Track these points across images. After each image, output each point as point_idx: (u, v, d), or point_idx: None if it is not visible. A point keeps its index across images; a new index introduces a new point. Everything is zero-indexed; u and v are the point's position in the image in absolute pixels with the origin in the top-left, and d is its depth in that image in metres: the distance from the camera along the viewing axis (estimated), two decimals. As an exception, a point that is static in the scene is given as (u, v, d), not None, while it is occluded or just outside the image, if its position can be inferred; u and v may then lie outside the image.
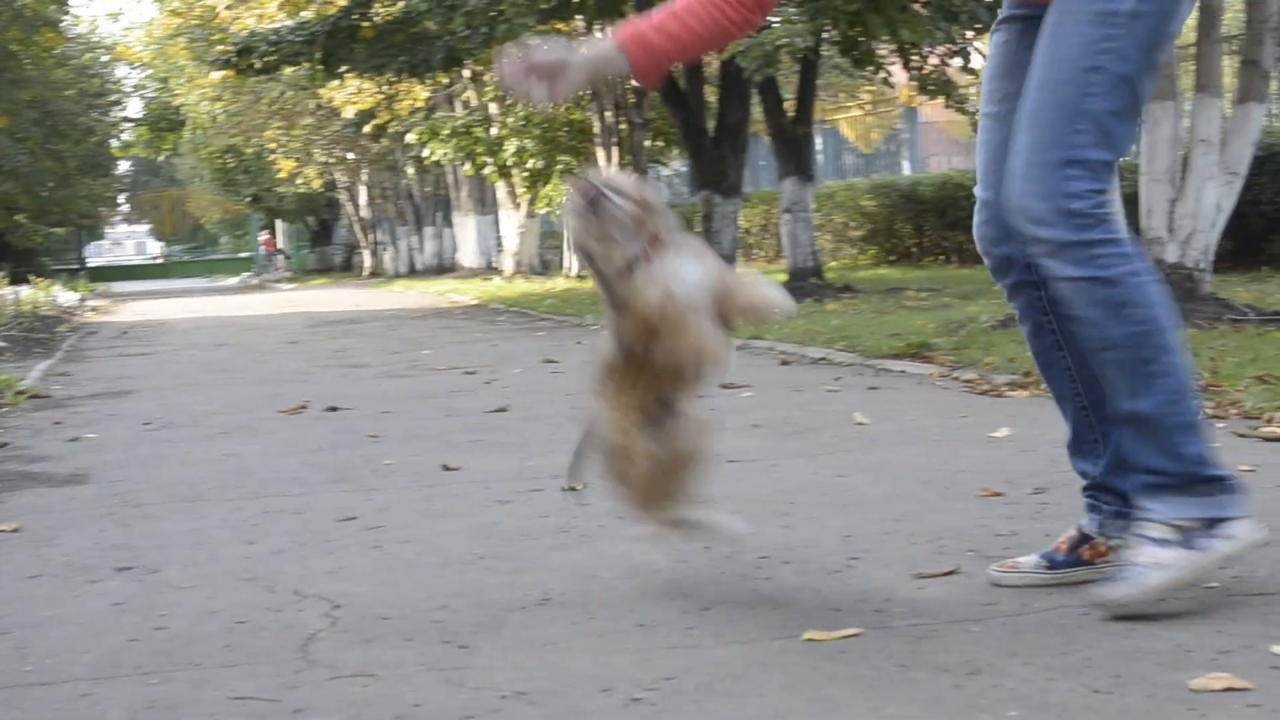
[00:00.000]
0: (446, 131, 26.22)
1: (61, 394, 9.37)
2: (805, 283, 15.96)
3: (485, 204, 32.60)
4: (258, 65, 18.32)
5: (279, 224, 57.69)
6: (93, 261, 75.29)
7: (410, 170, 37.52)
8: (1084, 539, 3.33)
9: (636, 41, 3.22)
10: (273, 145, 37.54)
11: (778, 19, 14.01)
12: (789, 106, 16.98)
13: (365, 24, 17.83)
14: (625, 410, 3.24)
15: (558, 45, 3.24)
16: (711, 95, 18.88)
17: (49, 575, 3.93)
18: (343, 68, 18.66)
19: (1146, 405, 3.05)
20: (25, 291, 24.02)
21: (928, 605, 3.19)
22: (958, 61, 16.63)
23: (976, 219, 3.41)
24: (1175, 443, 3.04)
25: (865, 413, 6.31)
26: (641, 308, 3.17)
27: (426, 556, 3.94)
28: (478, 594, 3.47)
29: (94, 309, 27.09)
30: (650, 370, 3.20)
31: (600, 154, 22.70)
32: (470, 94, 28.23)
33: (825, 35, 15.33)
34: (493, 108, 26.85)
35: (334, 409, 7.58)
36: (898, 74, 18.18)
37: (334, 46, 17.90)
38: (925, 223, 21.62)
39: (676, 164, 30.94)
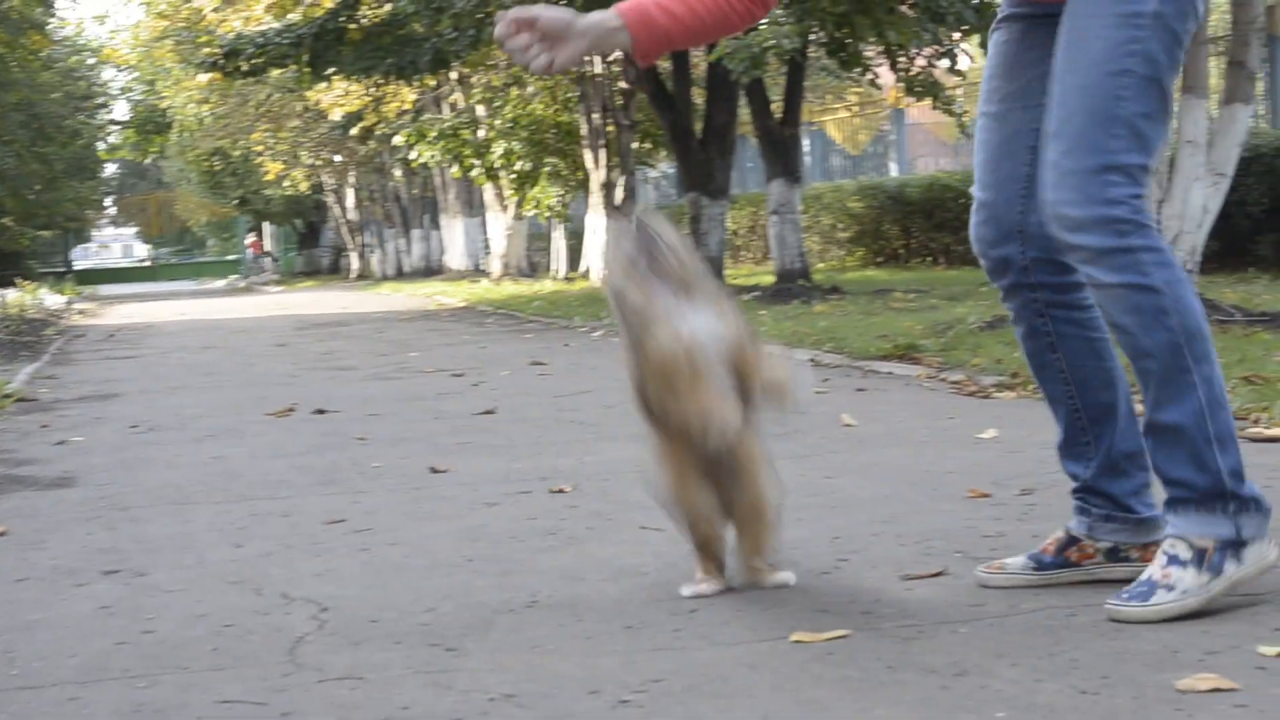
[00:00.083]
0: (434, 134, 26.21)
1: (48, 397, 9.35)
2: (793, 284, 15.97)
3: (473, 206, 32.58)
4: (244, 67, 18.29)
5: (266, 226, 57.63)
6: (80, 264, 75.12)
7: (397, 172, 37.48)
8: (1072, 541, 3.33)
9: (640, 18, 3.17)
10: (260, 148, 37.49)
11: (765, 20, 14.01)
12: (776, 108, 16.99)
13: (352, 26, 17.81)
14: (677, 461, 3.24)
15: (561, 10, 3.20)
16: (699, 97, 18.88)
17: (36, 579, 3.93)
18: (330, 70, 18.65)
19: (1179, 415, 3.02)
20: (11, 294, 23.98)
21: (915, 606, 3.19)
22: (945, 63, 16.64)
23: (974, 219, 3.39)
24: (1205, 455, 3.02)
25: (853, 414, 6.31)
26: (658, 359, 3.17)
27: (414, 559, 3.94)
28: (466, 596, 3.47)
29: (81, 312, 27.05)
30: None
31: (588, 156, 22.70)
32: (458, 96, 28.21)
33: (812, 37, 15.34)
34: (480, 110, 26.84)
35: (321, 411, 7.58)
36: (885, 75, 18.20)
37: (321, 49, 17.89)
38: (913, 224, 21.63)
39: (664, 166, 30.94)
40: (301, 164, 38.81)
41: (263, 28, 19.50)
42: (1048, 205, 3.06)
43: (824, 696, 2.60)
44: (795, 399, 3.28)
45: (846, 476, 4.87)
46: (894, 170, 25.93)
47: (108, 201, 74.41)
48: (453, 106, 28.54)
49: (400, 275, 38.48)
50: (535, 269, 29.48)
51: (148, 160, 62.14)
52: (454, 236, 33.63)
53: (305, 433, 6.80)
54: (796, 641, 2.93)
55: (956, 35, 15.96)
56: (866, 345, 9.07)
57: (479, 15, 16.57)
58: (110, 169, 70.97)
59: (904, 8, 14.82)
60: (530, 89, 25.31)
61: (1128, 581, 3.09)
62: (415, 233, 39.23)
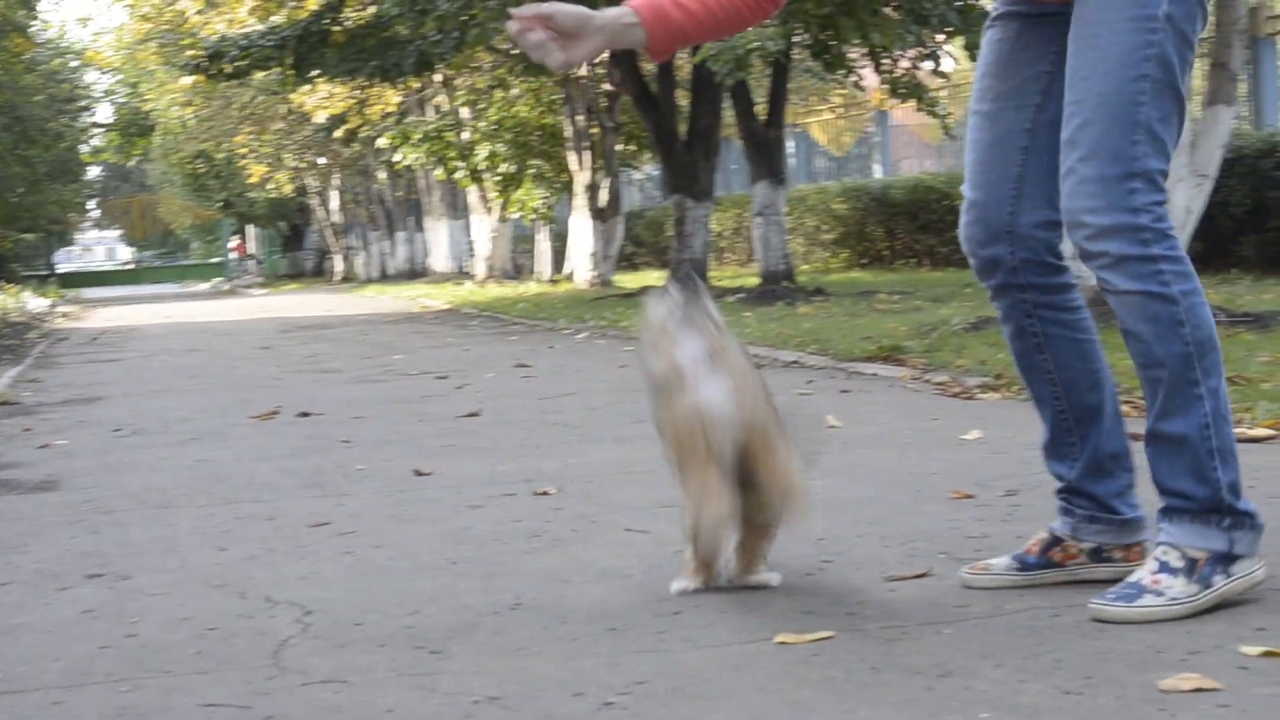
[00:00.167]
0: (418, 136, 26.20)
1: (31, 401, 9.33)
2: (777, 286, 15.99)
3: (457, 209, 32.58)
4: (228, 70, 18.27)
5: (250, 229, 57.55)
6: (63, 267, 75.00)
7: (382, 175, 37.46)
8: (1056, 541, 3.34)
9: (655, 14, 3.15)
10: (244, 150, 37.45)
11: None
12: (760, 110, 17.01)
13: (336, 28, 17.80)
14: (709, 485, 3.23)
15: (577, 7, 3.19)
16: (683, 99, 18.89)
17: (19, 582, 3.92)
18: (314, 72, 18.63)
19: (1184, 427, 3.03)
20: (-5, 298, 23.92)
21: (900, 608, 3.19)
22: (929, 65, 16.66)
23: (964, 219, 3.37)
24: (1206, 468, 3.03)
25: (837, 415, 6.31)
26: (673, 428, 3.21)
27: (398, 562, 3.94)
28: (450, 599, 3.47)
29: (64, 315, 26.99)
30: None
31: (572, 158, 22.69)
32: (442, 98, 28.19)
33: (796, 39, 15.36)
34: (464, 112, 26.83)
35: (306, 414, 7.57)
36: (869, 77, 18.22)
37: (305, 51, 17.87)
38: (897, 226, 21.65)
39: (648, 168, 30.95)
40: (285, 166, 38.78)
41: (246, 30, 19.47)
42: (1072, 213, 3.05)
43: (808, 698, 2.60)
44: (803, 513, 3.28)
45: (831, 478, 4.86)
46: (878, 172, 25.96)
47: (91, 204, 74.22)
48: (437, 109, 28.53)
49: (384, 278, 38.47)
50: (520, 271, 29.47)
51: (131, 163, 62.00)
52: (438, 239, 33.62)
53: (289, 436, 6.79)
54: (781, 643, 2.93)
55: (940, 37, 15.98)
56: (851, 347, 9.08)
57: (462, 17, 16.58)
58: (94, 172, 70.84)
59: (888, 10, 14.83)
60: (515, 91, 25.30)
61: (1111, 582, 3.09)
62: (399, 235, 39.22)
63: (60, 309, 29.49)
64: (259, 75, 20.79)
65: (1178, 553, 3.02)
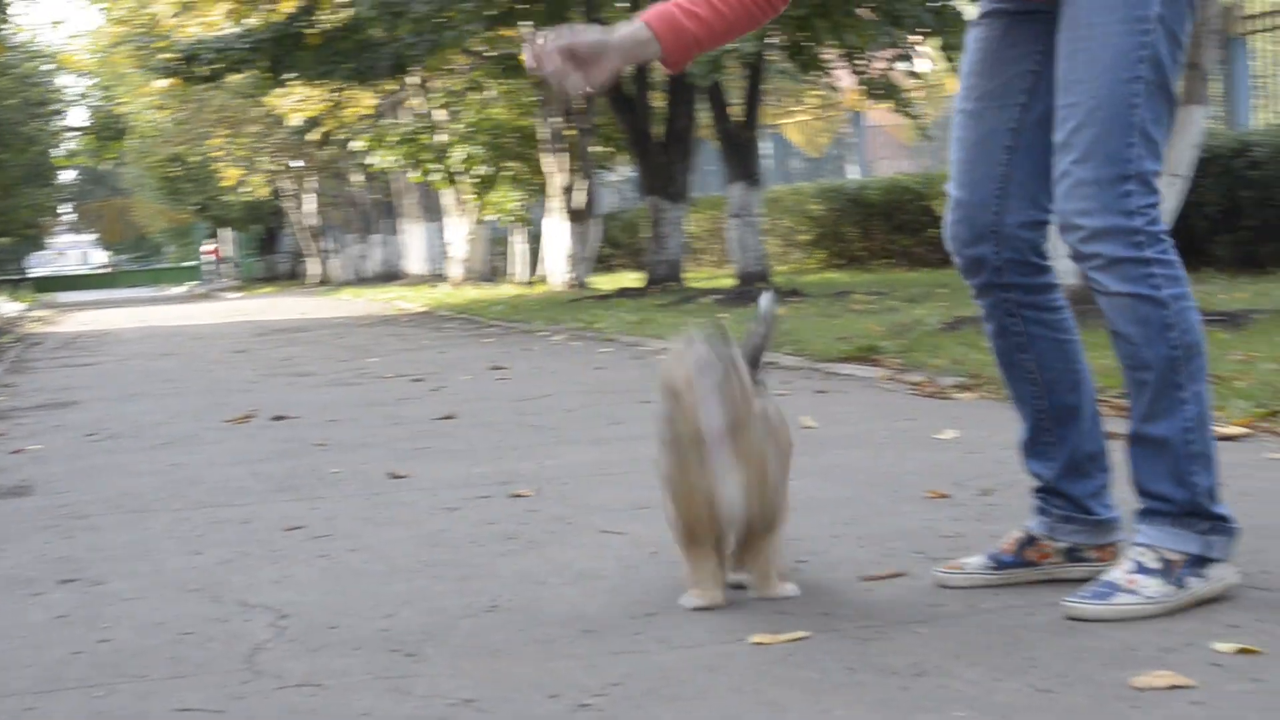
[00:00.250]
0: (393, 138, 26.17)
1: (5, 405, 9.30)
2: (753, 287, 15.98)
3: (432, 211, 32.54)
4: (203, 73, 18.24)
5: (226, 232, 57.39)
6: (37, 271, 74.76)
7: (357, 177, 37.40)
8: (1031, 540, 3.34)
9: (669, 27, 3.15)
10: (218, 153, 37.36)
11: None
12: (736, 111, 17.02)
13: (311, 31, 17.78)
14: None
15: (592, 29, 3.17)
16: (658, 101, 18.90)
17: (-8, 588, 3.90)
18: (288, 75, 18.61)
19: (1166, 430, 3.04)
20: (-32, 302, 23.83)
21: (875, 607, 3.20)
22: (903, 65, 16.69)
23: (949, 218, 3.36)
24: (1187, 472, 3.04)
25: (813, 416, 6.32)
26: (680, 498, 3.21)
27: (374, 565, 3.93)
28: (425, 602, 3.46)
29: (39, 319, 26.90)
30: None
31: (547, 160, 22.68)
32: (417, 101, 28.16)
33: (771, 40, 15.38)
34: (439, 114, 26.80)
35: (280, 418, 7.55)
36: (844, 78, 18.24)
37: (280, 54, 17.86)
38: (872, 226, 21.67)
39: (624, 169, 30.95)
40: (260, 169, 38.69)
41: (221, 33, 19.44)
42: (1065, 215, 3.05)
43: (783, 698, 2.60)
44: (766, 589, 3.28)
45: (806, 478, 4.86)
46: (854, 173, 25.99)
47: (65, 208, 73.99)
48: (412, 111, 28.50)
49: (360, 281, 38.38)
50: (495, 274, 29.44)
51: (106, 166, 61.83)
52: (414, 241, 33.59)
53: (264, 439, 6.77)
54: (756, 643, 2.93)
55: (915, 38, 16.01)
56: (826, 347, 9.09)
57: (438, 20, 16.57)
58: (68, 176, 70.60)
59: (862, 11, 14.86)
60: (490, 93, 25.29)
61: (1086, 581, 3.10)
62: (375, 238, 39.15)
63: (34, 313, 29.38)
64: (233, 78, 20.76)
65: (1154, 554, 3.03)
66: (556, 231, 22.77)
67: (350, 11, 17.50)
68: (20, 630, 3.42)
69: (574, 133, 22.49)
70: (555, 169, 22.51)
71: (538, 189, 25.40)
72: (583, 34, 3.16)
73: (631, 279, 21.42)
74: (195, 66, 18.26)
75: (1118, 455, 3.29)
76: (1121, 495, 3.30)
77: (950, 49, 15.24)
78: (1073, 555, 3.32)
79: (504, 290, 23.62)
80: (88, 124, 56.21)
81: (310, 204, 43.47)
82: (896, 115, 17.82)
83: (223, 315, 23.86)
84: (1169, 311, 3.01)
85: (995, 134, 3.28)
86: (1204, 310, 9.13)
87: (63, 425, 7.89)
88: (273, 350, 13.73)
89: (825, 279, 19.47)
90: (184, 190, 48.53)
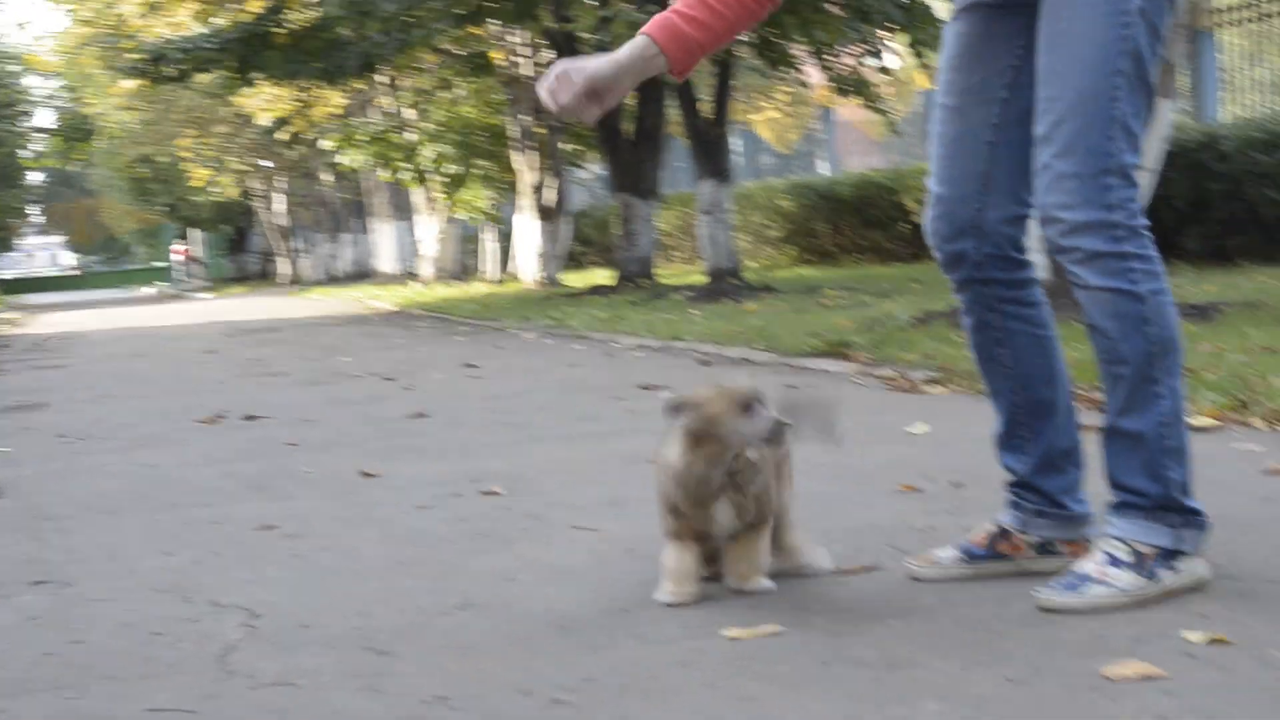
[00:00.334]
0: (364, 138, 26.12)
1: (-26, 408, 9.25)
2: (724, 283, 16.01)
3: (402, 210, 32.50)
4: (170, 73, 18.18)
5: (195, 233, 57.22)
6: (5, 273, 74.42)
7: (327, 177, 37.33)
8: (1003, 534, 3.35)
9: (671, 37, 3.14)
10: (187, 154, 37.25)
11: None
12: (705, 108, 17.02)
13: (279, 31, 17.73)
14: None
15: (598, 59, 3.16)
16: (628, 98, 18.87)
17: (-38, 591, 3.88)
18: (256, 75, 18.55)
19: (1141, 424, 3.05)
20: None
21: (847, 601, 3.20)
22: (873, 61, 16.72)
23: (930, 213, 3.36)
24: (1160, 466, 3.05)
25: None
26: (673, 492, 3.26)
27: (346, 564, 3.92)
28: (398, 600, 3.45)
29: (7, 322, 26.78)
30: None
31: (517, 158, 22.66)
32: (386, 100, 28.12)
33: (740, 37, 15.38)
34: (409, 113, 26.76)
35: (252, 418, 7.53)
36: (814, 74, 18.27)
37: (247, 53, 17.80)
38: (843, 222, 21.70)
39: (594, 167, 30.95)
40: (229, 169, 38.59)
41: (188, 33, 19.38)
42: (1046, 209, 3.05)
43: (757, 692, 2.61)
44: (744, 583, 3.29)
45: (778, 473, 4.87)
46: (824, 169, 26.02)
47: (34, 210, 73.67)
48: (381, 110, 28.45)
49: (331, 280, 38.33)
50: (466, 272, 29.42)
51: (73, 167, 61.58)
52: (384, 240, 33.54)
53: (235, 439, 6.75)
54: (729, 638, 2.94)
55: (882, 33, 16.04)
56: (798, 343, 9.10)
57: (406, 19, 16.53)
58: (36, 177, 70.33)
59: (831, 7, 14.87)
60: (459, 92, 25.27)
61: (1056, 574, 3.11)
62: (345, 237, 39.09)
63: (3, 315, 29.25)
64: (201, 78, 20.68)
65: (1126, 547, 3.04)
66: (527, 229, 22.77)
67: (318, 11, 17.46)
68: (-9, 633, 3.40)
69: (544, 130, 22.48)
70: (525, 167, 22.50)
71: (508, 187, 25.39)
72: (593, 67, 3.15)
73: (603, 276, 21.42)
74: (162, 67, 18.19)
75: (1091, 448, 3.30)
76: (1094, 488, 3.31)
77: (919, 44, 15.28)
78: (1044, 549, 3.33)
79: (475, 288, 23.61)
80: (55, 125, 55.96)
81: (280, 204, 43.39)
82: (866, 111, 17.84)
83: (193, 316, 23.80)
84: (1147, 306, 3.02)
85: (976, 130, 3.28)
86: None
87: (32, 427, 7.85)
88: (244, 350, 13.69)
89: (796, 275, 19.50)
90: (153, 191, 48.40)
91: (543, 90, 3.18)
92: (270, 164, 38.67)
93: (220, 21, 20.80)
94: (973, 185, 3.27)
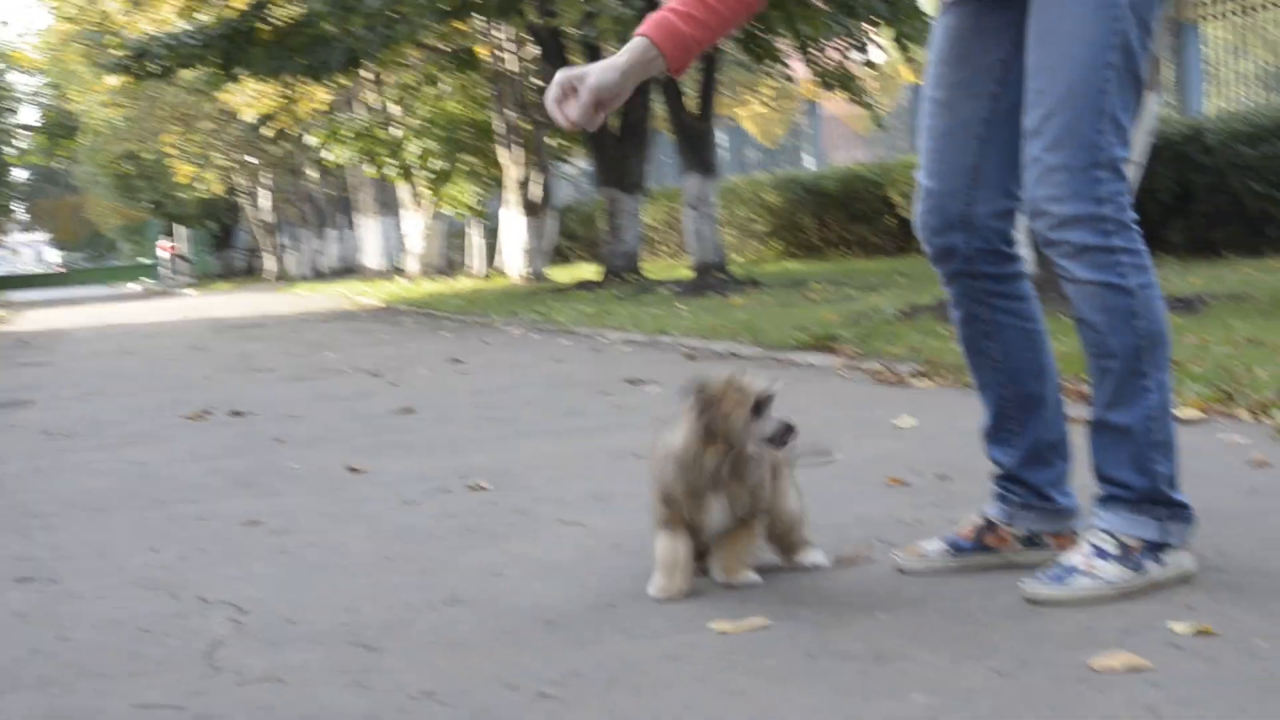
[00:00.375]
0: (350, 133, 26.09)
1: (-40, 405, 9.23)
2: (710, 277, 16.02)
3: (388, 205, 32.46)
4: (154, 69, 18.14)
5: (180, 229, 57.13)
6: (-11, 271, 74.26)
7: (312, 173, 37.28)
8: (990, 526, 3.36)
9: (668, 36, 3.14)
10: (171, 150, 37.18)
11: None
12: (691, 103, 17.02)
13: (263, 27, 17.70)
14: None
15: (600, 70, 3.14)
16: (614, 93, 18.85)
17: (-52, 588, 3.87)
18: (241, 71, 18.51)
19: (1129, 418, 3.06)
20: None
21: (834, 594, 3.21)
22: (858, 55, 16.72)
23: (920, 207, 3.36)
24: (1148, 459, 3.05)
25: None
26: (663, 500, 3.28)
27: (333, 559, 3.92)
28: (385, 595, 3.45)
29: (-8, 319, 26.72)
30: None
31: (503, 153, 22.65)
32: (371, 95, 28.08)
33: (721, 37, 15.36)
34: (394, 109, 26.73)
35: (238, 414, 7.52)
36: (798, 68, 18.26)
37: (231, 49, 17.77)
38: (828, 216, 21.72)
39: (580, 162, 30.95)
40: (214, 166, 38.53)
41: (172, 29, 19.35)
42: (1036, 201, 3.05)
43: (744, 685, 2.61)
44: (732, 576, 3.30)
45: (765, 467, 4.87)
46: (809, 163, 26.03)
47: (18, 207, 73.51)
48: (367, 106, 28.42)
49: (317, 276, 38.29)
50: (452, 267, 29.41)
51: (57, 164, 61.43)
52: (370, 236, 33.50)
53: (222, 435, 6.74)
54: (717, 632, 2.94)
55: (869, 27, 16.04)
56: (784, 336, 9.10)
57: (390, 14, 16.51)
58: (20, 174, 70.17)
59: (816, 1, 14.87)
60: (444, 87, 25.25)
61: (1043, 566, 3.12)
62: (331, 233, 39.04)
63: (-12, 313, 29.19)
64: (186, 74, 20.65)
65: (1113, 540, 3.04)
66: (513, 224, 22.75)
67: (302, 7, 17.43)
68: (-23, 630, 3.39)
69: (529, 126, 22.46)
70: (511, 162, 22.48)
71: (494, 182, 25.38)
72: (597, 79, 3.13)
73: (589, 271, 21.42)
74: (146, 63, 18.15)
75: (1077, 441, 3.31)
76: (1080, 480, 3.32)
77: (904, 38, 15.28)
78: (1031, 541, 3.33)
79: (461, 284, 23.59)
80: (39, 122, 55.82)
81: (265, 200, 43.33)
82: (852, 105, 17.84)
83: (179, 312, 23.76)
84: (1135, 300, 3.02)
85: (966, 124, 3.27)
86: (1158, 295, 9.16)
87: (18, 424, 7.83)
88: (230, 347, 13.67)
89: (782, 269, 19.51)
90: (138, 187, 48.31)
91: (551, 106, 3.17)
92: (255, 160, 38.61)
93: (204, 17, 20.74)
94: (962, 179, 3.27)
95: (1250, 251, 13.62)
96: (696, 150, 16.72)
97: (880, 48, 17.91)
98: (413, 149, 25.74)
